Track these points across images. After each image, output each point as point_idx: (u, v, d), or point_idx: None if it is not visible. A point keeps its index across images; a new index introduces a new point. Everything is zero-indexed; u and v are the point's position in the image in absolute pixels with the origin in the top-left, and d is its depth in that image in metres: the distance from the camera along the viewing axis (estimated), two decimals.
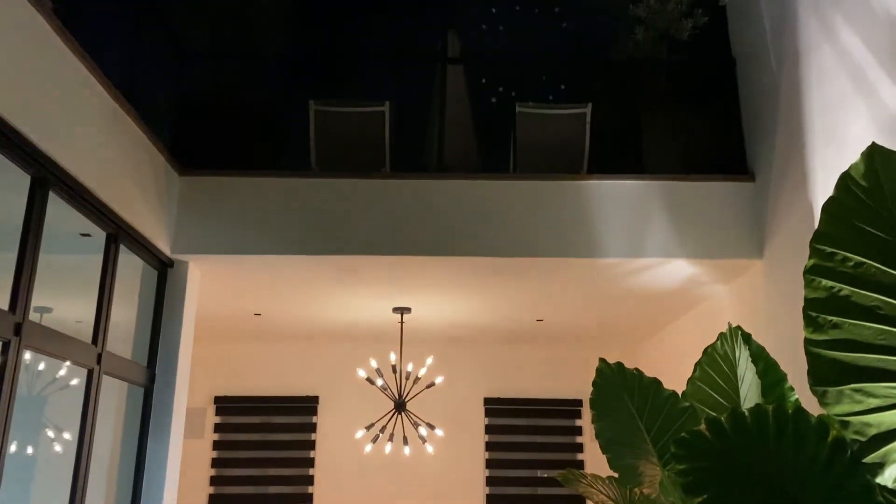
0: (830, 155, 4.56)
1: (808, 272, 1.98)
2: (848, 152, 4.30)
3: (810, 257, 1.98)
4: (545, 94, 7.38)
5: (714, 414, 2.99)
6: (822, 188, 4.64)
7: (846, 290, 1.93)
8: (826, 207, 1.97)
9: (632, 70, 6.83)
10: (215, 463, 8.65)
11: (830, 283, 1.95)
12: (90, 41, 4.28)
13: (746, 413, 2.08)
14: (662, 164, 6.01)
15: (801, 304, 2.01)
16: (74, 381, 4.66)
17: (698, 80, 6.78)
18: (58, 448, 4.99)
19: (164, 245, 5.35)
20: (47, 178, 3.87)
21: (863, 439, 1.89)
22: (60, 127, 3.97)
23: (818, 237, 1.97)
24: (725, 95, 6.21)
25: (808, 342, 1.97)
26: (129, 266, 5.12)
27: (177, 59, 6.27)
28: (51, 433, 5.13)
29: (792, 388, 3.14)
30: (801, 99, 4.96)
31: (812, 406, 2.14)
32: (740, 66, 6.15)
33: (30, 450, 5.09)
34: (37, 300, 3.92)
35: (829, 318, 1.95)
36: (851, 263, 1.92)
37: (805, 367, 1.98)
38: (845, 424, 1.91)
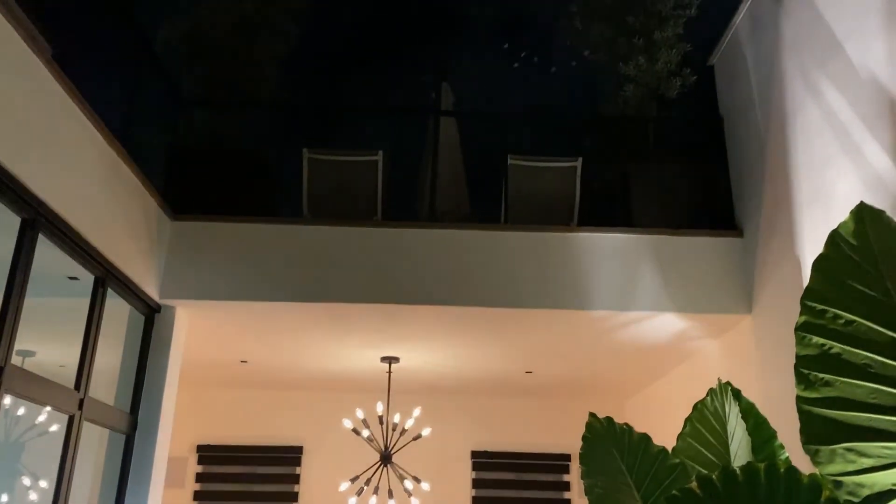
0: (817, 212, 4.62)
1: (800, 329, 1.98)
2: (834, 210, 4.36)
3: (801, 314, 1.98)
4: (536, 147, 7.47)
5: (705, 471, 2.95)
6: (810, 244, 4.68)
7: (837, 347, 1.93)
8: (816, 265, 1.98)
9: (621, 125, 6.94)
10: None
11: (822, 341, 1.94)
12: (88, 86, 4.32)
13: (738, 471, 2.05)
14: (651, 217, 6.06)
15: (791, 360, 2.00)
16: (54, 427, 4.57)
17: (686, 136, 6.90)
18: (33, 497, 4.85)
19: (152, 290, 5.32)
20: (38, 220, 3.85)
21: (856, 500, 1.87)
22: (54, 170, 3.98)
23: (809, 294, 1.98)
24: (713, 152, 6.32)
25: (800, 399, 1.96)
26: (116, 310, 5.07)
27: (173, 105, 6.34)
28: (27, 481, 5.01)
29: (782, 446, 3.11)
30: (788, 156, 5.04)
31: (803, 464, 2.12)
32: (728, 124, 6.27)
33: (4, 497, 4.96)
34: (20, 343, 3.86)
35: (821, 375, 1.94)
36: (842, 321, 1.92)
37: (796, 424, 1.96)
38: (838, 484, 1.89)
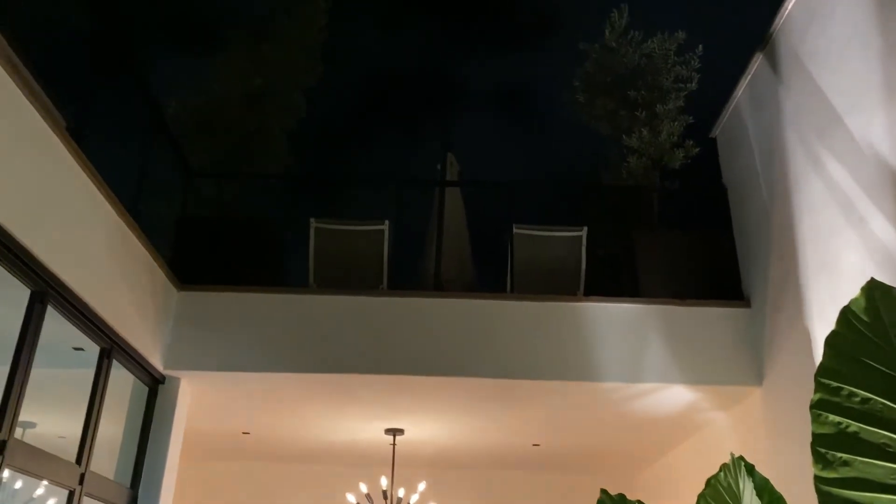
0: (824, 282, 4.61)
1: (815, 406, 1.95)
2: (841, 281, 4.35)
3: (816, 391, 1.96)
4: (541, 217, 7.54)
5: None
6: (818, 315, 4.65)
7: (854, 426, 1.90)
8: (829, 341, 1.97)
9: (625, 195, 7.02)
10: None
11: (838, 419, 1.91)
12: (99, 158, 4.40)
13: None
14: (657, 287, 6.05)
15: (805, 433, 1.96)
16: (51, 502, 4.47)
17: (691, 206, 6.96)
18: None
19: (156, 360, 5.28)
20: (47, 292, 3.86)
21: None
22: (64, 242, 4.01)
23: (823, 371, 1.95)
24: (718, 222, 6.35)
25: (818, 479, 1.92)
26: (120, 381, 5.02)
27: (182, 176, 6.43)
28: None
29: None
30: (793, 227, 5.06)
31: None
32: (732, 194, 6.32)
33: None
34: (23, 415, 3.82)
35: (839, 454, 1.90)
36: (858, 399, 1.90)
37: (810, 499, 1.91)
38: None
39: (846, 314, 1.95)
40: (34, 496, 4.60)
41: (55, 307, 3.99)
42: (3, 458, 3.48)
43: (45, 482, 4.28)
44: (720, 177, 6.55)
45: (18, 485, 4.58)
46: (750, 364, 5.50)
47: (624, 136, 6.71)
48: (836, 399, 1.93)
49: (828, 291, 4.55)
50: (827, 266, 4.58)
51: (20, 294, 3.79)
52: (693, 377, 5.48)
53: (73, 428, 4.51)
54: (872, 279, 1.95)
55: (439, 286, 6.39)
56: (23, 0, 4.69)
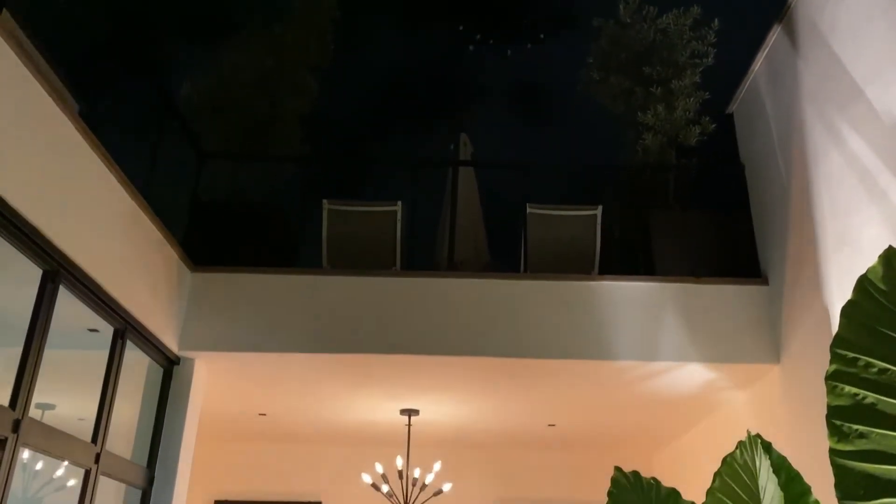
0: (843, 258, 4.53)
1: (830, 378, 1.90)
2: (861, 256, 4.27)
3: (832, 362, 1.91)
4: (556, 196, 7.48)
5: None
6: (837, 291, 4.58)
7: (871, 397, 1.85)
8: (845, 311, 1.91)
9: (641, 174, 6.93)
10: None
11: (854, 390, 1.86)
12: (112, 140, 4.41)
13: None
14: (673, 266, 5.99)
15: (823, 411, 1.92)
16: (71, 482, 4.52)
17: (707, 184, 6.86)
18: None
19: (171, 341, 5.31)
20: (59, 272, 3.88)
21: None
22: (76, 222, 4.02)
23: (839, 342, 1.90)
24: (735, 199, 6.26)
25: (833, 453, 1.87)
26: (135, 362, 5.05)
27: (195, 159, 6.43)
28: None
29: (817, 502, 2.98)
30: (812, 203, 4.97)
31: None
32: (749, 171, 6.22)
33: None
34: (41, 396, 3.85)
35: (855, 427, 1.85)
36: (875, 370, 1.85)
37: (828, 477, 1.87)
38: None
39: (863, 283, 1.89)
40: (54, 477, 4.66)
41: (67, 287, 4.00)
42: (18, 436, 3.51)
43: (65, 463, 4.32)
44: (737, 153, 6.45)
45: (39, 466, 4.64)
46: (767, 342, 5.44)
47: (639, 114, 6.61)
48: (853, 370, 1.87)
49: (847, 267, 4.47)
50: (846, 241, 4.49)
51: (33, 274, 3.81)
52: (710, 355, 5.42)
53: (92, 410, 4.55)
54: (891, 246, 1.89)
55: (453, 267, 6.36)
56: None
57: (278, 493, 8.54)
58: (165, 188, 5.92)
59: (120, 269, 4.53)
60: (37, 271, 3.80)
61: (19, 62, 3.46)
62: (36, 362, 3.66)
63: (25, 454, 3.88)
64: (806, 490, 3.07)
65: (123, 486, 5.04)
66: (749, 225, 6.09)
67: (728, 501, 3.17)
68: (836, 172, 4.65)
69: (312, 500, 8.55)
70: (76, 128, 3.97)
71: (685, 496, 3.23)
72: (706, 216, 6.44)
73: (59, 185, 3.87)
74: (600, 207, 6.30)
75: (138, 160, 5.35)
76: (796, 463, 3.20)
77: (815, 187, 4.95)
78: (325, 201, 6.38)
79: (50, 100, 3.72)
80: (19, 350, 3.66)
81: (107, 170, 4.33)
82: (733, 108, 6.59)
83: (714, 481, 3.27)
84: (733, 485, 3.15)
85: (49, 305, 3.81)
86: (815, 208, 4.94)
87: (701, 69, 6.67)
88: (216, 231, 6.21)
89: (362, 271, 5.80)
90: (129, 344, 4.80)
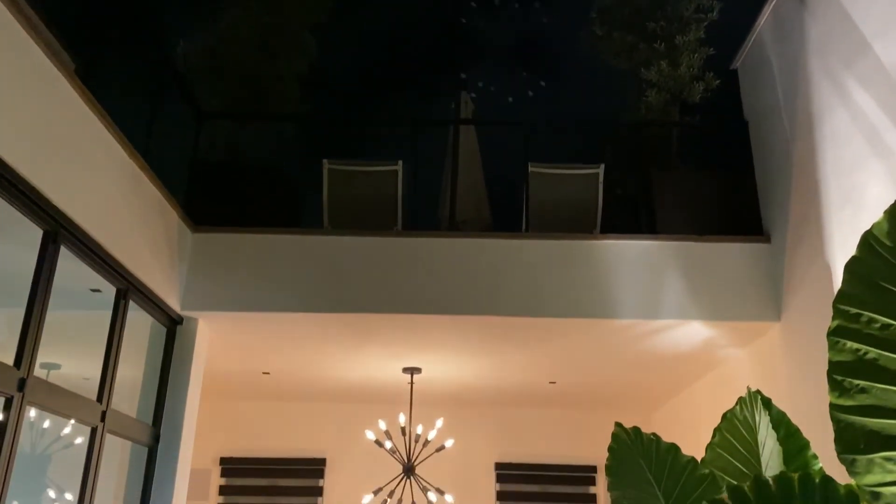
0: (847, 216, 4.51)
1: (832, 334, 1.90)
2: (865, 213, 4.25)
3: (834, 318, 1.90)
4: (557, 155, 7.42)
5: (735, 482, 2.86)
6: (840, 249, 4.57)
7: (873, 352, 1.85)
8: (849, 267, 1.90)
9: (644, 131, 6.87)
10: None
11: (856, 346, 1.86)
12: (110, 100, 4.36)
13: (770, 481, 1.97)
14: (675, 224, 5.97)
15: (822, 368, 1.92)
16: (79, 440, 4.58)
17: (711, 141, 6.80)
18: None
19: (173, 301, 5.33)
20: (59, 232, 3.87)
21: None
22: (75, 182, 4.00)
23: (841, 297, 1.90)
24: (739, 156, 6.21)
25: (833, 407, 1.88)
26: (138, 322, 5.08)
27: (194, 119, 6.37)
28: (52, 493, 5.02)
29: (815, 456, 3.01)
30: (816, 160, 4.93)
31: (837, 475, 2.04)
32: (753, 128, 6.16)
33: None
34: (47, 356, 3.87)
35: (856, 382, 1.85)
36: (878, 325, 1.84)
37: (828, 434, 1.88)
38: (876, 496, 1.80)
39: (867, 239, 1.87)
40: (61, 435, 4.72)
41: (68, 247, 4.00)
42: (24, 395, 3.55)
43: (72, 421, 4.37)
44: (741, 110, 6.38)
45: (47, 424, 4.70)
46: (768, 300, 5.45)
47: (642, 70, 6.52)
48: (856, 326, 1.87)
49: (851, 225, 4.46)
50: (851, 199, 4.47)
51: (34, 235, 3.80)
52: (710, 313, 5.44)
53: (97, 370, 4.59)
54: None
55: (455, 227, 6.34)
56: None
57: (283, 450, 8.67)
58: (165, 148, 5.88)
59: (121, 230, 4.52)
60: (37, 231, 3.79)
61: (13, 19, 3.40)
62: (39, 322, 3.67)
63: (32, 413, 3.91)
64: (804, 445, 3.11)
65: (129, 444, 5.11)
66: (752, 182, 6.05)
67: (727, 456, 3.21)
68: (842, 128, 4.61)
69: (317, 456, 8.68)
70: (73, 86, 3.92)
71: (685, 451, 3.26)
72: (709, 174, 6.40)
73: (57, 145, 3.83)
74: (602, 166, 6.26)
75: (137, 120, 5.30)
76: (795, 419, 3.23)
77: (819, 144, 4.90)
78: (325, 161, 6.34)
79: (45, 58, 3.66)
80: (23, 311, 3.68)
81: (105, 129, 4.29)
82: (738, 63, 6.49)
83: (714, 436, 3.30)
84: (733, 439, 3.19)
85: (50, 265, 3.81)
86: (819, 165, 4.90)
87: (706, 24, 6.55)
88: (216, 191, 6.19)
89: (363, 231, 5.80)
90: (132, 304, 4.82)
